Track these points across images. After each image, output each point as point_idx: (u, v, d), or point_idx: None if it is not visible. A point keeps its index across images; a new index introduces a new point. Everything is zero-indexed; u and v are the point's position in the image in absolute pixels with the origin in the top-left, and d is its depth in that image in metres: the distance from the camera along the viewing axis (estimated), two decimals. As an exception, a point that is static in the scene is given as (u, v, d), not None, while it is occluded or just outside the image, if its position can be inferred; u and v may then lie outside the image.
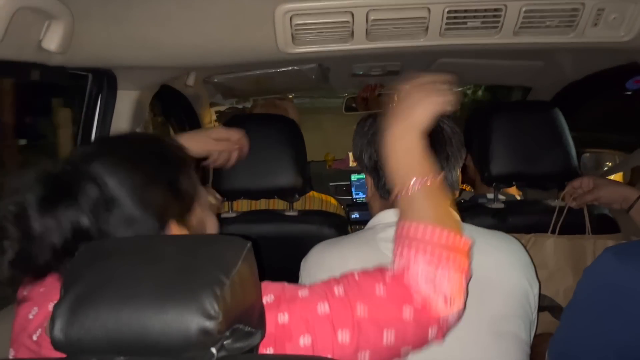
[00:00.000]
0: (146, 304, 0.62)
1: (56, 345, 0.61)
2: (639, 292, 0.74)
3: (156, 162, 0.81)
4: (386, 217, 1.07)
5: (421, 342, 0.79)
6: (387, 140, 0.89)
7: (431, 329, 0.78)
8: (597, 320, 0.81)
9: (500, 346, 0.95)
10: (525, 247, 1.11)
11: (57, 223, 0.72)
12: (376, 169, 1.08)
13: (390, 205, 1.08)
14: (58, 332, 0.60)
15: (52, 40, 0.96)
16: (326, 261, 1.02)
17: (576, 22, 1.10)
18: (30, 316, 0.81)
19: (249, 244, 0.71)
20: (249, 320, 0.69)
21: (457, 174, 1.08)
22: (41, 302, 0.82)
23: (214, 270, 0.65)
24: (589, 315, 0.84)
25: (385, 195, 1.08)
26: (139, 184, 0.77)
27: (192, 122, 2.42)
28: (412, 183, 0.84)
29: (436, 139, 1.04)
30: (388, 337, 0.76)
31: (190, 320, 0.60)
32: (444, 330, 0.80)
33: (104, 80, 1.33)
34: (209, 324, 0.60)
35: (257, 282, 0.75)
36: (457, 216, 0.87)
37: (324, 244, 1.08)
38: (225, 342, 0.64)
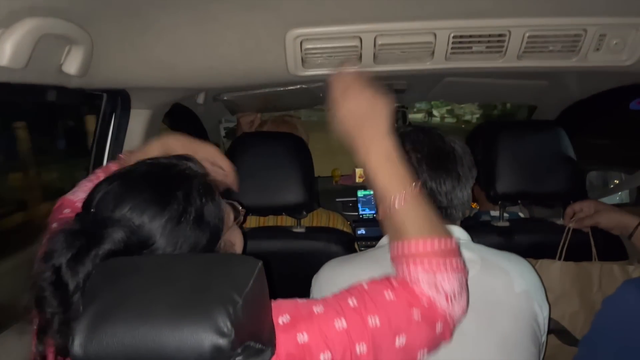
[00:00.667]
0: (162, 322, 0.64)
1: None
2: None
3: (181, 202, 0.81)
4: None
5: (432, 342, 0.81)
6: (360, 155, 0.87)
7: (438, 324, 0.80)
8: (621, 350, 0.82)
9: None
10: None
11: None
12: None
13: None
14: (78, 347, 0.63)
15: (72, 64, 1.00)
16: (338, 279, 1.03)
17: (579, 47, 1.12)
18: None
19: (260, 264, 0.74)
20: (260, 337, 0.71)
21: (469, 193, 1.09)
22: None
23: (227, 289, 0.67)
24: (612, 345, 0.84)
25: None
26: (169, 227, 0.80)
27: (202, 138, 2.44)
28: (393, 200, 0.84)
29: (447, 159, 1.05)
30: (400, 341, 0.78)
31: (204, 337, 0.62)
32: (451, 326, 0.82)
33: (118, 100, 1.36)
34: (222, 342, 0.63)
35: (268, 300, 0.77)
36: (438, 220, 0.87)
37: (336, 262, 1.09)
38: (237, 359, 0.67)
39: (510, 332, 0.97)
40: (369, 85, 0.87)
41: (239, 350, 0.67)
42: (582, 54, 1.15)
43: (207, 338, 0.63)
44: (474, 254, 1.02)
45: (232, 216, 0.93)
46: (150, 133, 1.48)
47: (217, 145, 2.59)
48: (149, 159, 0.89)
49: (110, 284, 0.70)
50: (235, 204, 0.97)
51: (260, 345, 0.70)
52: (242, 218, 0.96)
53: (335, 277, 1.04)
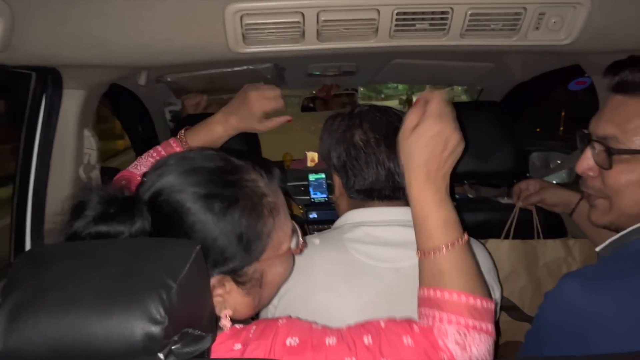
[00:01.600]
0: (88, 310, 0.60)
1: None
2: (606, 318, 0.76)
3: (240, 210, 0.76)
4: (353, 217, 1.07)
5: None
6: (415, 189, 0.85)
7: None
8: (567, 345, 0.82)
9: None
10: None
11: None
12: (345, 169, 1.07)
13: (359, 205, 1.08)
14: (-5, 341, 0.58)
15: (-10, 37, 0.93)
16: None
17: (519, 25, 1.14)
18: None
19: (198, 247, 0.70)
20: (199, 323, 0.68)
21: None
22: None
23: (160, 274, 0.64)
24: (558, 341, 0.84)
25: (354, 195, 1.08)
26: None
27: (145, 123, 2.36)
28: (443, 246, 0.81)
29: None
30: None
31: (135, 325, 0.59)
32: None
33: (49, 79, 1.28)
34: (155, 329, 0.59)
35: (208, 285, 0.74)
36: (482, 277, 0.84)
37: None
38: (173, 347, 0.64)
39: None
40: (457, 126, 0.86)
41: (176, 338, 0.64)
42: (522, 33, 1.16)
43: (138, 326, 0.59)
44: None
45: (286, 245, 0.85)
46: (86, 115, 1.41)
47: (163, 130, 2.51)
48: (219, 152, 0.83)
49: (33, 271, 0.66)
50: (296, 228, 0.89)
51: (199, 332, 0.67)
52: (297, 250, 0.89)
53: None
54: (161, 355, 0.62)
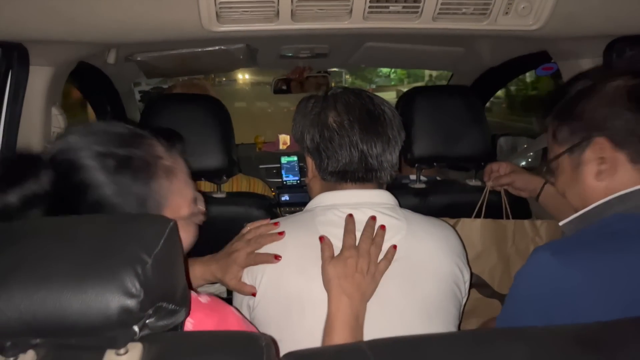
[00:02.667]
0: (62, 284, 0.60)
1: None
2: (572, 288, 0.78)
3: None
4: (326, 199, 1.08)
5: None
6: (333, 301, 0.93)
7: None
8: (543, 316, 0.82)
9: (429, 329, 0.98)
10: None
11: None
12: (318, 151, 1.07)
13: (332, 187, 1.09)
14: (-33, 316, 0.58)
15: (-48, 9, 0.90)
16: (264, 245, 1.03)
17: (489, 10, 1.16)
18: None
19: (173, 222, 0.71)
20: (173, 298, 0.69)
21: (397, 156, 1.10)
22: None
23: (135, 249, 0.64)
24: (534, 313, 0.84)
25: (327, 177, 1.09)
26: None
27: (114, 103, 2.32)
28: None
29: (377, 122, 1.06)
30: None
31: (110, 299, 0.59)
32: None
33: (14, 55, 1.24)
34: (130, 303, 0.60)
35: (181, 260, 0.75)
36: None
37: None
38: (148, 321, 0.64)
39: (433, 296, 1.00)
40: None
41: (150, 312, 0.64)
42: (492, 18, 1.19)
43: (114, 300, 0.60)
44: (400, 219, 1.04)
45: (185, 211, 0.88)
46: (53, 93, 1.37)
47: (132, 111, 2.47)
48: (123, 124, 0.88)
49: (4, 247, 0.65)
50: (201, 198, 0.93)
51: (173, 306, 0.68)
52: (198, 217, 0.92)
53: None
54: (136, 328, 0.62)
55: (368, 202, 1.05)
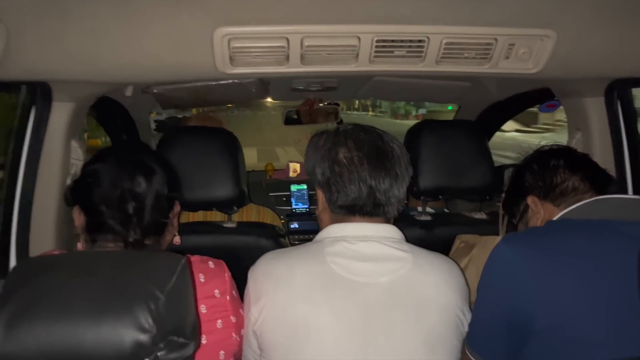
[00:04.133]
0: (80, 318, 0.65)
1: None
2: (520, 269, 0.96)
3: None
4: (335, 231, 1.11)
5: None
6: None
7: None
8: (494, 296, 1.02)
9: (433, 358, 1.01)
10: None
11: None
12: (329, 184, 1.11)
13: (341, 219, 1.13)
14: (-7, 347, 0.62)
15: (-14, 55, 0.96)
16: (274, 271, 1.06)
17: (490, 54, 1.21)
18: None
19: (184, 260, 0.75)
20: (183, 332, 0.73)
21: (405, 190, 1.14)
22: None
23: (148, 285, 0.69)
24: (489, 295, 1.03)
25: (336, 210, 1.12)
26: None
27: (130, 132, 2.39)
28: None
29: (386, 158, 1.10)
30: None
31: (124, 333, 0.63)
32: None
33: (38, 92, 1.31)
34: (143, 337, 0.64)
35: (192, 296, 0.79)
36: None
37: (273, 254, 1.11)
38: (159, 354, 0.68)
39: (437, 327, 1.03)
40: None
41: (162, 345, 0.68)
42: (493, 61, 1.23)
43: (128, 334, 0.64)
44: (406, 252, 1.08)
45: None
46: (75, 127, 1.44)
47: (147, 140, 2.53)
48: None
49: (27, 282, 0.70)
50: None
51: (182, 340, 0.72)
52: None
53: (272, 270, 1.07)
54: (147, 362, 0.66)
55: (375, 235, 1.09)
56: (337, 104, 2.78)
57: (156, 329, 0.65)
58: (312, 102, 2.56)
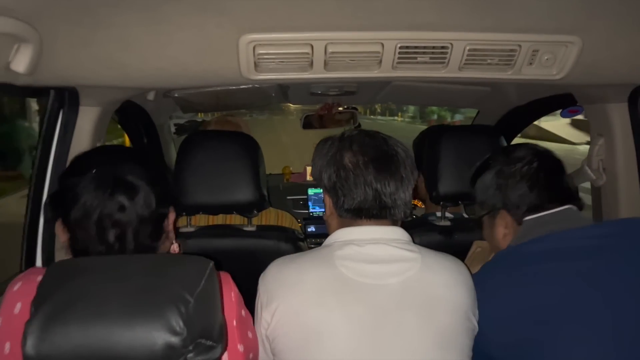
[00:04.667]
0: (113, 321, 0.66)
1: None
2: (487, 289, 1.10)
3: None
4: (343, 235, 1.12)
5: None
6: None
7: None
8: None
9: (445, 357, 1.02)
10: None
11: None
12: (335, 189, 1.13)
13: (348, 223, 1.14)
14: (30, 348, 0.64)
15: (21, 62, 0.98)
16: (284, 277, 1.07)
17: (514, 61, 1.21)
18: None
19: (212, 264, 0.76)
20: (211, 335, 0.74)
21: (410, 193, 1.15)
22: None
23: (178, 289, 0.70)
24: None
25: (343, 214, 1.14)
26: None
27: (150, 135, 2.42)
28: None
29: (391, 162, 1.11)
30: None
31: (156, 336, 0.65)
32: None
33: (66, 97, 1.34)
34: (175, 340, 0.65)
35: (219, 299, 0.80)
36: None
37: (282, 260, 1.12)
38: (188, 356, 0.69)
39: (448, 326, 1.04)
40: None
41: (191, 348, 0.69)
42: (517, 68, 1.23)
43: (160, 337, 0.65)
44: (415, 253, 1.08)
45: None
46: (99, 130, 1.47)
47: (166, 143, 2.57)
48: None
49: (61, 284, 0.72)
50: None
51: (210, 342, 0.73)
52: None
53: (282, 275, 1.08)
54: (177, 364, 0.68)
55: (383, 238, 1.10)
56: (355, 109, 2.79)
57: (186, 331, 0.67)
58: (330, 106, 2.57)
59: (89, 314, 0.68)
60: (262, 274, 1.11)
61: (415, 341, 1.01)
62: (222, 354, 0.77)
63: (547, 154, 1.22)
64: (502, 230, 1.24)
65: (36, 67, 1.04)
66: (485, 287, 1.12)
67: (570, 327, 1.00)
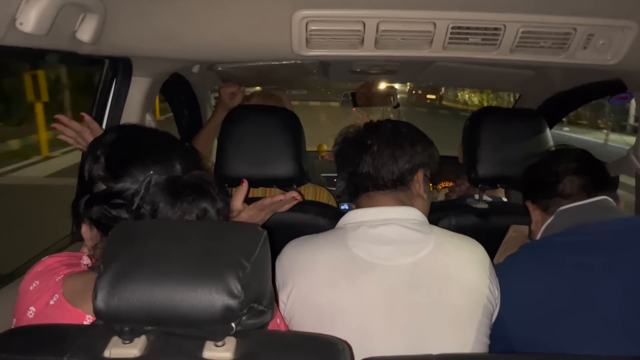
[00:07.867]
0: (177, 282, 0.70)
1: (97, 314, 0.69)
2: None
3: None
4: (356, 216, 1.15)
5: None
6: None
7: None
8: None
9: (460, 336, 1.03)
10: None
11: None
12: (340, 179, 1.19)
13: (357, 205, 1.17)
14: (100, 302, 0.68)
15: (86, 31, 1.02)
16: (298, 258, 1.10)
17: (568, 44, 1.19)
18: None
19: (265, 233, 0.80)
20: (262, 300, 0.77)
21: (412, 166, 1.16)
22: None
23: (236, 255, 0.73)
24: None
25: (351, 198, 1.19)
26: None
27: (191, 107, 2.46)
28: None
29: (397, 138, 1.15)
30: None
31: (217, 298, 0.68)
32: None
33: (120, 67, 1.38)
34: (233, 302, 0.69)
35: (270, 267, 0.83)
36: None
37: (296, 242, 1.15)
38: (242, 318, 0.73)
39: (462, 305, 1.04)
40: None
41: (245, 311, 0.73)
42: (570, 52, 1.21)
43: (220, 299, 0.68)
44: (427, 234, 1.10)
45: None
46: (149, 100, 1.51)
47: (206, 115, 2.61)
48: None
49: (127, 244, 0.76)
50: None
51: (262, 307, 0.76)
52: None
53: (296, 256, 1.11)
54: (233, 325, 0.71)
55: (396, 218, 1.11)
56: (394, 88, 2.77)
57: (244, 295, 0.70)
58: (370, 84, 2.57)
59: (155, 272, 0.71)
60: (278, 256, 1.14)
61: (428, 320, 1.03)
62: (271, 319, 0.80)
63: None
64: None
65: (99, 37, 1.08)
66: (510, 272, 1.14)
67: (590, 318, 1.00)
